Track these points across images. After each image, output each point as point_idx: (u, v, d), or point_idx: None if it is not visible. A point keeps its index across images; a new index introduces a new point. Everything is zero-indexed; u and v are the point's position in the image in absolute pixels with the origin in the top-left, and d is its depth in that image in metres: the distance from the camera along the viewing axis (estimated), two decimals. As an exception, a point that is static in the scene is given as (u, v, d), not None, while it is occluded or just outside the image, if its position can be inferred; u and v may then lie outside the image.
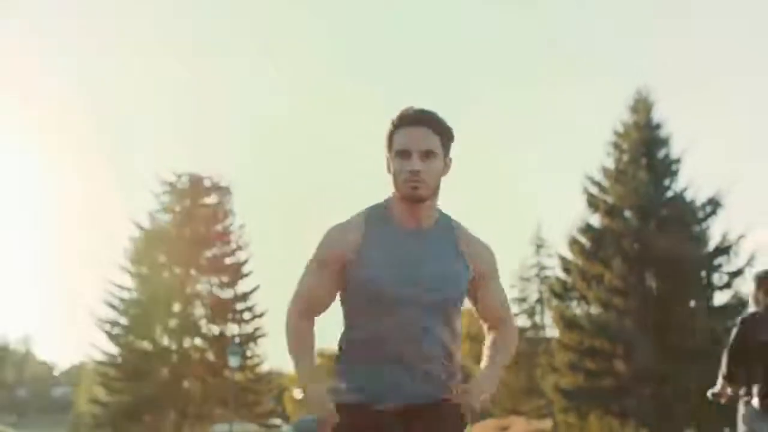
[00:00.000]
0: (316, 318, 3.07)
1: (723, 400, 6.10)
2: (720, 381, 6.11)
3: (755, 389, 5.90)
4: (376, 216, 2.97)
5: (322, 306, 3.03)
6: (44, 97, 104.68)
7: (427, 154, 2.87)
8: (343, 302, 3.01)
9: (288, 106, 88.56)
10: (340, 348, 3.01)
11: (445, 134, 2.92)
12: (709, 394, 6.20)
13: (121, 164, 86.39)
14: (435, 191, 2.93)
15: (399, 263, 2.89)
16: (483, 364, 3.09)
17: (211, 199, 37.05)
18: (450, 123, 2.97)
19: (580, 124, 72.68)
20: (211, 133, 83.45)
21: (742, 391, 5.99)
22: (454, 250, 2.95)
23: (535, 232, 43.69)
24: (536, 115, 77.51)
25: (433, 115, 2.92)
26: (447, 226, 2.99)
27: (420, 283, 2.87)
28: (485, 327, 3.13)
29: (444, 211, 3.04)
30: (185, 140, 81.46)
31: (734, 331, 6.04)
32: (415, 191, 2.86)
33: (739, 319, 6.10)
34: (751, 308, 6.18)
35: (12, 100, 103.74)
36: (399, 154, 2.88)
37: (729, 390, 6.05)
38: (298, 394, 57.03)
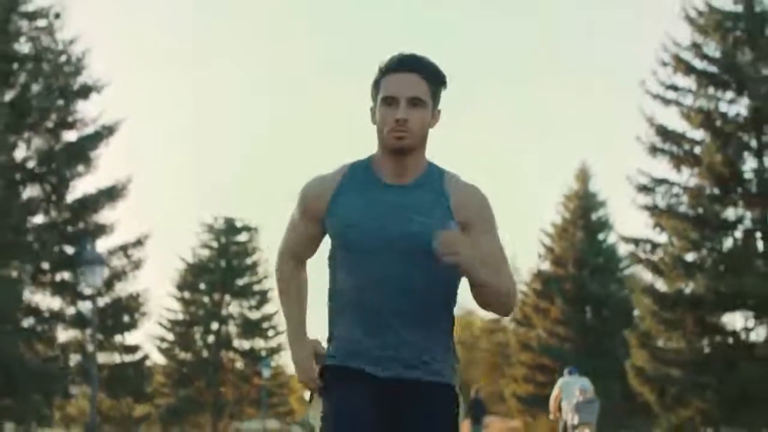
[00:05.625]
0: (305, 263, 2.88)
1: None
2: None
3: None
4: (358, 167, 2.72)
5: (305, 256, 2.87)
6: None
7: (415, 102, 2.60)
8: (328, 256, 2.77)
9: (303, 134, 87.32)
10: (329, 304, 2.76)
11: (435, 82, 2.65)
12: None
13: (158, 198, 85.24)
14: (422, 142, 2.65)
15: (375, 213, 2.63)
16: None
17: (242, 237, 42.01)
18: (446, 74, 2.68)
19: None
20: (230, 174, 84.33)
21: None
22: (440, 202, 2.65)
23: (510, 263, 51.30)
24: (530, 123, 76.45)
25: (422, 60, 2.65)
26: (435, 177, 2.69)
27: (396, 234, 2.60)
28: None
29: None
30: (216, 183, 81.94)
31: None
32: (400, 141, 2.59)
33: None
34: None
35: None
36: (384, 101, 2.62)
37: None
38: (306, 395, 62.06)
